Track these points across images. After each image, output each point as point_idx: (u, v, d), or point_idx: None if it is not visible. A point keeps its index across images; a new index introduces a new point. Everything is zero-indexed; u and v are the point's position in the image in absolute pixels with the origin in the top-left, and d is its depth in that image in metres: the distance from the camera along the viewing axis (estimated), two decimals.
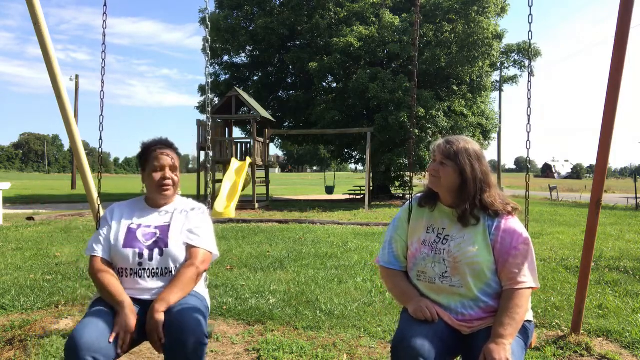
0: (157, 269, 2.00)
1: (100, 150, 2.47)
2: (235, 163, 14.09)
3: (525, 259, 1.77)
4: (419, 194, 2.00)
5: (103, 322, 1.78)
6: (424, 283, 1.86)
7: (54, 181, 54.44)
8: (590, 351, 3.00)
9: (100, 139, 2.45)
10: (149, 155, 2.13)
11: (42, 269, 5.44)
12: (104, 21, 2.53)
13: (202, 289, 2.17)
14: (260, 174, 17.84)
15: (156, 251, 2.01)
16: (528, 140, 2.48)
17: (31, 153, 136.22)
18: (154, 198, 2.17)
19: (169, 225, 2.10)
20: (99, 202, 2.59)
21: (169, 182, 2.13)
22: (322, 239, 8.15)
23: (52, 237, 8.23)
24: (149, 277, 1.99)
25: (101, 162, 2.48)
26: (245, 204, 14.91)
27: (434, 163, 1.89)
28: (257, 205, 15.40)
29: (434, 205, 1.93)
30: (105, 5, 2.52)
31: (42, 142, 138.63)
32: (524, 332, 1.81)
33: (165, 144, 2.18)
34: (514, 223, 1.82)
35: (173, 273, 2.02)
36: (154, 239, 2.04)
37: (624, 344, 3.12)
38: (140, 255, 2.00)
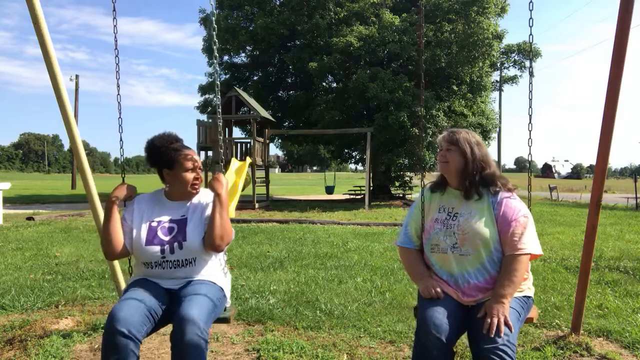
0: (178, 260, 2.19)
1: (121, 151, 2.59)
2: (235, 163, 14.09)
3: (525, 229, 2.01)
4: (430, 183, 2.33)
5: (136, 302, 1.99)
6: (437, 254, 2.14)
7: (54, 181, 54.43)
8: (590, 351, 3.00)
9: (121, 140, 2.59)
10: (177, 155, 2.25)
11: (42, 269, 5.44)
12: (114, 26, 2.55)
13: (220, 278, 2.31)
14: (260, 174, 17.81)
15: (176, 245, 2.18)
16: (530, 138, 2.54)
17: (31, 153, 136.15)
18: (180, 193, 2.31)
19: (186, 219, 2.25)
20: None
21: (199, 181, 2.35)
22: (322, 239, 8.15)
23: (52, 237, 8.23)
24: (171, 268, 2.19)
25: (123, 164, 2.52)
26: (245, 204, 14.91)
27: (441, 151, 2.19)
28: (257, 205, 15.40)
29: (444, 190, 2.25)
30: (114, 9, 2.57)
31: (42, 142, 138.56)
32: (520, 306, 2.02)
33: (185, 144, 2.32)
34: (513, 199, 2.10)
35: (193, 264, 2.21)
36: (173, 234, 2.21)
37: (624, 344, 3.11)
38: (162, 250, 2.18)
